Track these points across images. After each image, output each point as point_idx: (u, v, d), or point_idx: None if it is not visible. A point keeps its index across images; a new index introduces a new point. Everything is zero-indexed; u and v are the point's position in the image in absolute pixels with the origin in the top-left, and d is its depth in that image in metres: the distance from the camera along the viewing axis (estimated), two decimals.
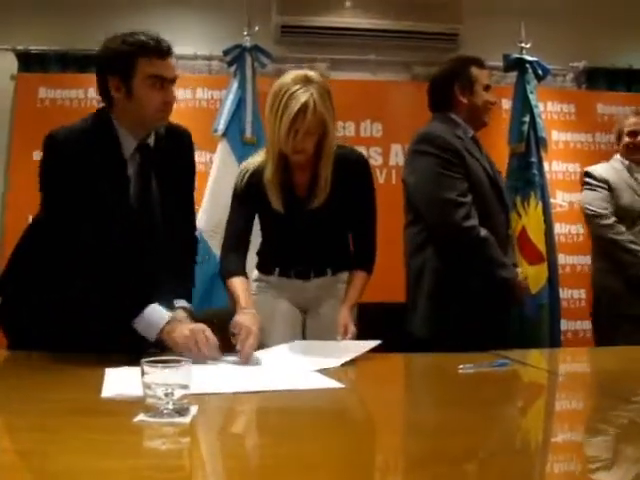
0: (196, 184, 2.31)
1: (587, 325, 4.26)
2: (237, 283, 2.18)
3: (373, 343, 2.01)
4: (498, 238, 2.53)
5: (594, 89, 4.61)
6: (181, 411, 1.25)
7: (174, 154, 2.13)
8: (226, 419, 1.35)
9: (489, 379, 1.81)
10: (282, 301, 2.39)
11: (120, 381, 1.55)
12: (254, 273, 2.47)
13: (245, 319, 1.97)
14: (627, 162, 3.38)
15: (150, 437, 1.19)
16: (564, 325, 4.22)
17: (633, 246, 3.25)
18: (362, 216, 2.37)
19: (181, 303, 2.08)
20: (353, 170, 2.30)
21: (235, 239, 2.32)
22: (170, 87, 1.99)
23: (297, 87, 2.09)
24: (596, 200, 3.34)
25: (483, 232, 2.47)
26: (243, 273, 2.24)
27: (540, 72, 4.03)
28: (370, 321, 2.36)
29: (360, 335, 2.17)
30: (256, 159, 2.33)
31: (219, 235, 3.57)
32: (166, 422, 1.22)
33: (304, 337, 2.38)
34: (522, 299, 2.68)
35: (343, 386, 1.59)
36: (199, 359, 1.75)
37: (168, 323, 1.89)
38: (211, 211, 3.65)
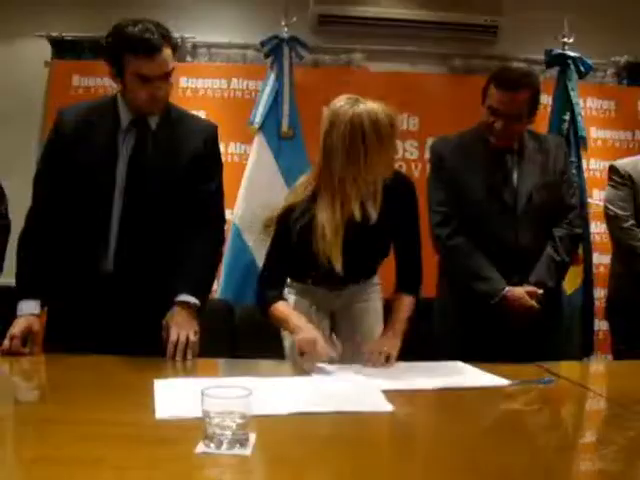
0: (222, 177, 2.33)
1: None
2: (281, 307, 2.15)
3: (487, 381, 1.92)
4: (495, 250, 2.50)
5: (635, 85, 4.50)
6: (241, 441, 1.24)
7: (184, 141, 2.22)
8: (285, 448, 1.33)
9: (535, 400, 1.82)
10: (312, 306, 2.37)
11: (173, 398, 1.55)
12: None
13: (305, 334, 2.00)
14: None
15: (212, 469, 1.18)
16: (596, 325, 4.16)
17: None
18: (409, 241, 2.28)
19: (182, 297, 2.14)
20: (403, 196, 2.23)
21: (274, 276, 2.25)
22: (157, 83, 2.08)
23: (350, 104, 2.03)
24: (617, 200, 3.14)
25: (454, 241, 2.53)
26: (282, 299, 2.20)
27: (582, 68, 3.95)
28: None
29: None
30: (296, 194, 2.21)
31: (255, 228, 3.59)
32: (227, 454, 1.21)
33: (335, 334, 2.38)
34: (519, 315, 2.45)
35: (391, 410, 1.56)
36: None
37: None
38: (246, 205, 3.64)
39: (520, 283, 2.50)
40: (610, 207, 3.15)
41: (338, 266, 2.11)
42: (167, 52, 2.07)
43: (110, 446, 1.24)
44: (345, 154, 2.01)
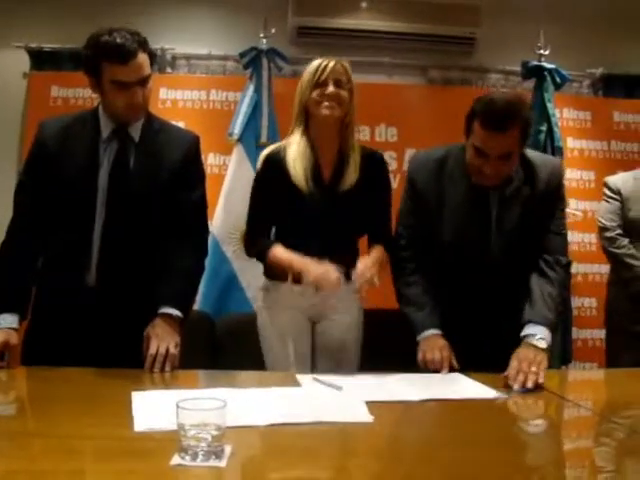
0: (205, 187, 2.32)
1: (597, 334, 4.26)
2: (279, 251, 2.24)
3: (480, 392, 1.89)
4: (456, 294, 2.27)
5: (611, 96, 4.57)
6: (217, 453, 1.23)
7: (166, 151, 2.21)
8: (261, 459, 1.33)
9: (518, 410, 1.82)
10: (291, 314, 2.36)
11: (151, 410, 1.54)
12: (261, 281, 2.43)
13: (316, 270, 2.12)
14: None
15: None
16: (575, 334, 4.21)
17: (631, 261, 3.28)
18: (381, 208, 2.40)
19: (164, 309, 2.12)
20: (376, 167, 2.39)
21: (260, 225, 2.37)
22: (135, 89, 2.07)
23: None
24: (605, 212, 3.41)
25: (412, 278, 2.32)
26: (278, 244, 2.29)
27: (558, 80, 4.00)
28: (380, 327, 2.40)
29: (371, 340, 2.31)
30: (277, 144, 2.39)
31: (234, 241, 3.59)
32: (202, 465, 1.20)
33: (314, 346, 2.37)
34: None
35: (371, 420, 1.55)
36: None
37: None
38: (225, 216, 3.64)
39: (503, 342, 2.12)
40: (600, 219, 3.44)
41: (300, 178, 2.25)
42: (142, 57, 2.05)
43: (86, 459, 1.24)
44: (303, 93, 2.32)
